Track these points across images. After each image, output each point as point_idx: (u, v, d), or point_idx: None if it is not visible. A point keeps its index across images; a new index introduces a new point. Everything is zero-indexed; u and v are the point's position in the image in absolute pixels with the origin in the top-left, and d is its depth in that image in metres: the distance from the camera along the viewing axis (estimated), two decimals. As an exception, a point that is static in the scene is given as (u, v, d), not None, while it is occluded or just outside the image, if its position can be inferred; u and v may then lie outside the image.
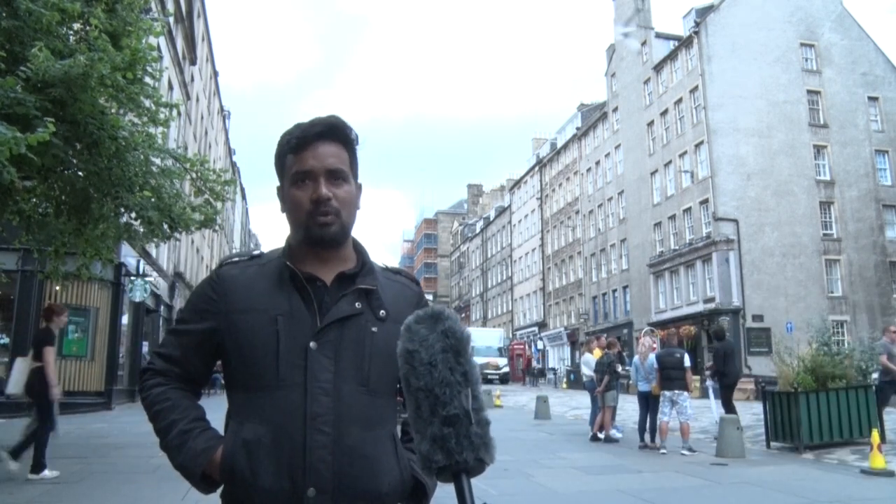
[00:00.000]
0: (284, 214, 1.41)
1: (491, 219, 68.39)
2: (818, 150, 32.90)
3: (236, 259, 1.42)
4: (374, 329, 1.35)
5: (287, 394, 1.27)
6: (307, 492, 1.23)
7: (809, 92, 33.30)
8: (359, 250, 1.44)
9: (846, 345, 18.77)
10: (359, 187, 1.43)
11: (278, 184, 1.43)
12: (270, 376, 1.29)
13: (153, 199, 7.98)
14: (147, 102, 7.98)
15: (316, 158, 1.34)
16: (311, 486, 1.24)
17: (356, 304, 1.35)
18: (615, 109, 42.67)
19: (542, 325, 52.37)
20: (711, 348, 12.51)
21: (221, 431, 1.36)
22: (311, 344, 1.29)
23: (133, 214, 8.22)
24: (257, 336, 1.30)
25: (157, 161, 8.50)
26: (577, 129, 49.15)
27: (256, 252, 1.43)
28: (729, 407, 11.59)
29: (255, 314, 1.32)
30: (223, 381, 1.43)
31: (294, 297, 1.33)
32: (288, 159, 1.37)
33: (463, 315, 71.95)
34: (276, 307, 1.32)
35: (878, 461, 7.87)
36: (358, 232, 1.44)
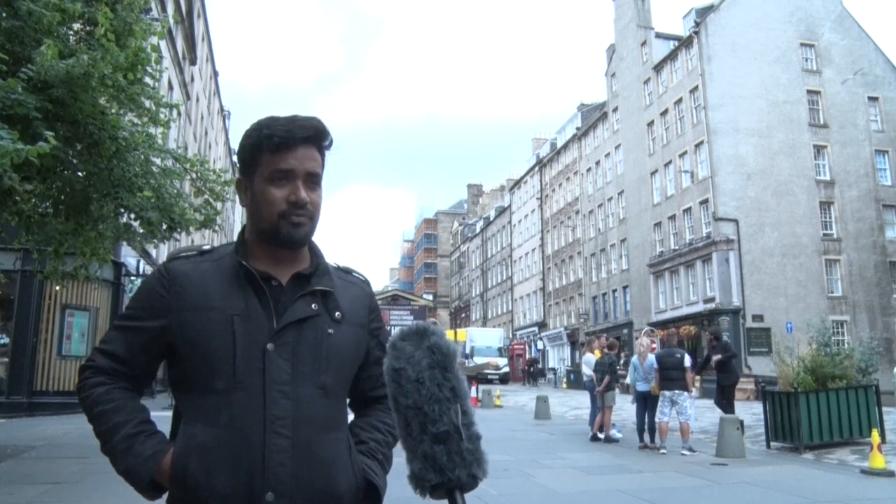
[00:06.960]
0: (245, 208, 1.38)
1: (491, 219, 68.34)
2: (818, 150, 32.90)
3: (186, 254, 1.37)
4: (330, 331, 1.33)
5: (244, 396, 1.24)
6: (265, 496, 1.21)
7: (809, 92, 33.30)
8: (313, 250, 1.41)
9: (846, 345, 18.80)
10: None
11: (238, 175, 1.40)
12: (227, 378, 1.25)
13: (153, 200, 7.96)
14: (147, 103, 7.97)
15: (297, 159, 1.31)
16: (270, 490, 1.21)
17: (313, 305, 1.33)
18: (615, 109, 42.64)
19: (542, 325, 52.35)
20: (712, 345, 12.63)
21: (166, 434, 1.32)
22: (269, 345, 1.27)
23: (132, 215, 8.20)
24: (213, 336, 1.26)
25: (158, 161, 8.49)
26: (577, 129, 49.12)
27: (207, 247, 1.39)
28: (729, 408, 11.61)
29: (210, 313, 1.28)
30: (169, 382, 1.36)
31: (250, 296, 1.30)
32: (264, 155, 1.33)
33: (463, 315, 71.95)
34: (231, 306, 1.28)
35: (878, 461, 7.88)
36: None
